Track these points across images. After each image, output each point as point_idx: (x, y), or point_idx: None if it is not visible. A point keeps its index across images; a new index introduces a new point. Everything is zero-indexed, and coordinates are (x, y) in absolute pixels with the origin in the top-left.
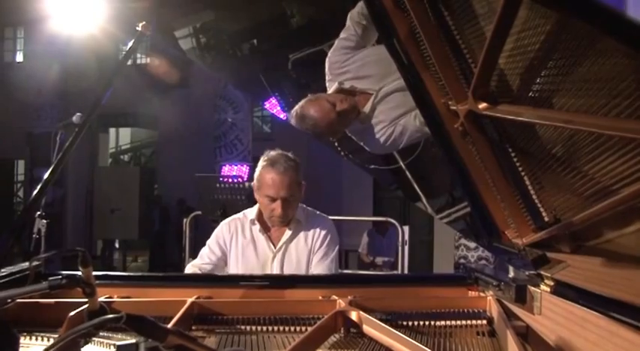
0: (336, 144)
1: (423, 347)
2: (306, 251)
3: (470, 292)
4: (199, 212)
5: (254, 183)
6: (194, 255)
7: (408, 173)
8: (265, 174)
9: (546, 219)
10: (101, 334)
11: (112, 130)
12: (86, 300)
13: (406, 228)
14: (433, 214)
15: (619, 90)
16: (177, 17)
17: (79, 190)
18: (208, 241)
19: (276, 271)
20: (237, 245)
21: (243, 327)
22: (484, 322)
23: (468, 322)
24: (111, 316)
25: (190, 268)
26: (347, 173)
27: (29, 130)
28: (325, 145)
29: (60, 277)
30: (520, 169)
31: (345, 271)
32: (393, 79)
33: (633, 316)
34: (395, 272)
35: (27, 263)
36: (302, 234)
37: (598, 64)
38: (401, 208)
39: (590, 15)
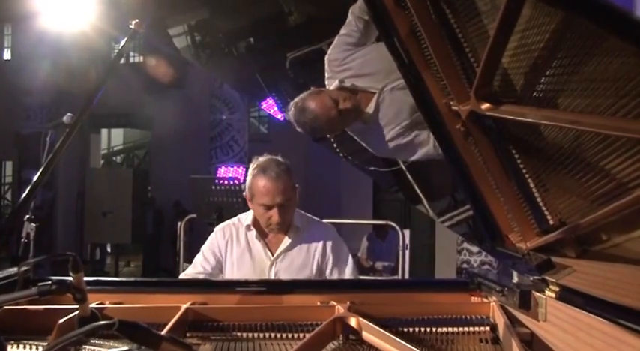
0: (334, 145)
1: None
2: (309, 260)
3: (472, 297)
4: (194, 215)
5: (246, 193)
6: (189, 259)
7: (408, 175)
8: (257, 182)
9: (551, 222)
10: (92, 341)
11: (104, 131)
12: (77, 306)
13: (407, 232)
14: (434, 218)
15: (626, 90)
16: (171, 14)
17: (70, 192)
18: (202, 249)
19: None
20: (232, 252)
21: (239, 334)
22: (487, 328)
23: (471, 328)
24: (103, 322)
25: (183, 278)
26: (346, 175)
27: (18, 130)
28: (323, 146)
29: (50, 282)
30: (524, 171)
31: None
32: (397, 77)
33: None
34: (395, 277)
35: (15, 268)
36: (303, 243)
37: (604, 64)
38: (401, 211)
39: (596, 14)
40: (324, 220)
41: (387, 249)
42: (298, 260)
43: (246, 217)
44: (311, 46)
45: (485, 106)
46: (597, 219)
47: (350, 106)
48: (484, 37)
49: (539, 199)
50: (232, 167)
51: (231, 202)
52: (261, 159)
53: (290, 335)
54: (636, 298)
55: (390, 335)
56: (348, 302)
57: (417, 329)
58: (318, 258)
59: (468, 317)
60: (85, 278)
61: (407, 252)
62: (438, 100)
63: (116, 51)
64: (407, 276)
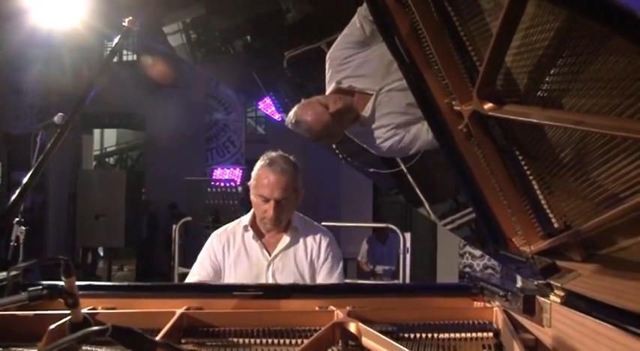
0: (334, 146)
1: None
2: (306, 262)
3: (475, 302)
4: (189, 218)
5: (251, 182)
6: (184, 263)
7: (409, 177)
8: (262, 173)
9: (556, 226)
10: (85, 348)
11: (97, 131)
12: (68, 312)
13: (408, 235)
14: (436, 221)
15: (632, 89)
16: (166, 12)
17: (61, 194)
18: (199, 257)
19: (270, 280)
20: (229, 256)
21: (235, 340)
22: (490, 334)
23: (474, 334)
24: (95, 328)
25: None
26: (345, 177)
27: (7, 130)
28: (324, 147)
29: (40, 287)
30: (528, 173)
31: (344, 279)
32: (395, 79)
33: None
34: (396, 281)
35: (4, 273)
36: (301, 243)
37: (610, 63)
38: (402, 214)
39: (600, 14)
40: (323, 223)
41: (388, 253)
42: (295, 261)
43: (246, 218)
44: (309, 44)
45: (488, 106)
46: (603, 222)
47: (341, 106)
48: (487, 36)
49: (543, 202)
50: (229, 169)
51: (228, 205)
52: (273, 154)
53: (288, 341)
54: None
55: (391, 341)
56: (348, 307)
57: (418, 335)
58: (312, 259)
59: (471, 323)
60: (77, 283)
61: (408, 256)
62: (439, 100)
63: (109, 49)
64: (408, 280)
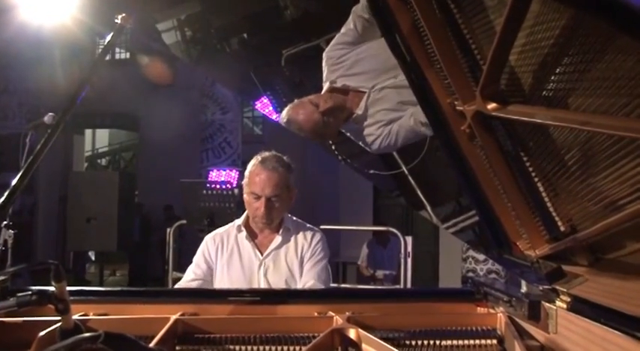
0: (333, 147)
1: None
2: (297, 261)
3: (479, 308)
4: (184, 221)
5: (244, 181)
6: (178, 268)
7: (411, 179)
8: (254, 170)
9: (562, 229)
10: None
11: (89, 132)
12: (59, 318)
13: (409, 238)
14: (438, 224)
15: None
16: (160, 8)
17: (51, 197)
18: (194, 258)
19: (262, 280)
20: (222, 257)
21: (231, 346)
22: (494, 341)
23: (477, 341)
24: (87, 334)
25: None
26: (345, 179)
27: None
28: (323, 148)
29: (29, 292)
30: (533, 174)
31: (343, 285)
32: (388, 77)
33: None
34: (397, 286)
35: None
36: (292, 242)
37: (618, 61)
38: (403, 217)
39: (607, 12)
40: (322, 227)
41: (389, 257)
42: (286, 260)
43: (239, 220)
44: (308, 42)
45: (491, 106)
46: (611, 225)
47: (331, 105)
48: (490, 34)
49: (549, 205)
50: (225, 170)
51: (224, 208)
52: (265, 153)
53: (285, 348)
54: None
55: (392, 348)
56: (347, 313)
57: (419, 342)
58: (302, 257)
59: (474, 329)
60: (68, 288)
61: (409, 260)
62: (441, 99)
63: (101, 47)
64: (409, 285)
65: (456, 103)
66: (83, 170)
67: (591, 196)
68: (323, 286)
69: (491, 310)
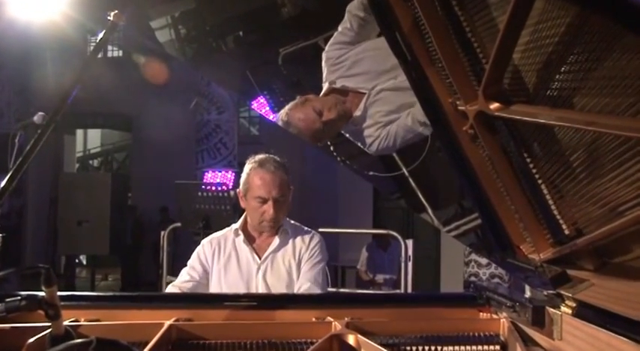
0: (331, 148)
1: None
2: (294, 263)
3: (481, 313)
4: (179, 224)
5: (239, 190)
6: (172, 272)
7: (411, 181)
8: (254, 175)
9: (567, 232)
10: None
11: (80, 132)
12: (49, 324)
13: (410, 242)
14: (440, 227)
15: None
16: (153, 5)
17: (41, 199)
18: (190, 260)
19: (261, 284)
20: (219, 261)
21: None
22: (497, 347)
23: (479, 347)
24: (78, 341)
25: (170, 289)
26: (344, 180)
27: None
28: (321, 149)
29: (18, 298)
30: (537, 176)
31: (342, 290)
32: (388, 78)
33: None
34: (397, 291)
35: None
36: (290, 245)
37: (625, 60)
38: (404, 220)
39: (613, 11)
40: (320, 230)
41: (389, 260)
42: (284, 263)
43: (237, 224)
44: (306, 40)
45: (494, 106)
46: (617, 229)
47: (334, 116)
48: (493, 32)
49: (553, 207)
50: (220, 172)
51: (219, 210)
52: (259, 156)
53: None
54: None
55: None
56: (346, 318)
57: (420, 348)
58: (300, 259)
59: (476, 335)
60: (59, 293)
61: (410, 264)
62: (443, 99)
63: (93, 45)
64: (410, 290)
65: (457, 102)
66: (74, 171)
67: (597, 199)
68: (319, 290)
69: (494, 316)
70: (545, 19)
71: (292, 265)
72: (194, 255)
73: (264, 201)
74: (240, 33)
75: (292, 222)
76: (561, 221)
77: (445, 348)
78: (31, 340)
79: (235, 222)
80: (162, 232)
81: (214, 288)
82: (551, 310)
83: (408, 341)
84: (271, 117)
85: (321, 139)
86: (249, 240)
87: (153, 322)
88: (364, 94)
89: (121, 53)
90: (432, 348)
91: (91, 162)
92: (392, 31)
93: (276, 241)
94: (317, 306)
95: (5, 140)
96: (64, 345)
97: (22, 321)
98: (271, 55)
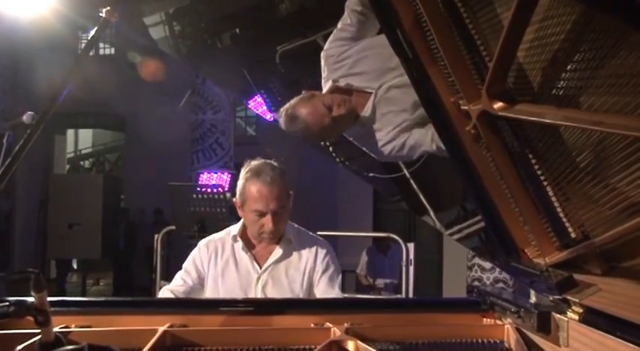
0: (330, 149)
1: None
2: (299, 276)
3: (485, 319)
4: (173, 227)
5: (236, 199)
6: (166, 277)
7: (412, 182)
8: (250, 186)
9: (573, 236)
10: None
11: (71, 132)
12: (38, 330)
13: (411, 245)
14: (442, 230)
15: None
16: (147, 1)
17: (31, 201)
18: (185, 264)
19: (260, 295)
20: (215, 267)
21: None
22: None
23: None
24: (69, 348)
25: (164, 292)
26: (343, 182)
27: None
28: (319, 150)
29: (6, 303)
30: (542, 178)
31: (342, 295)
32: (395, 75)
33: None
34: (398, 296)
35: None
36: (294, 255)
37: (633, 58)
38: (405, 223)
39: (620, 8)
40: (319, 233)
41: (389, 265)
42: (287, 275)
43: (235, 228)
44: (304, 38)
45: (498, 105)
46: (626, 231)
47: (344, 112)
48: (497, 29)
49: (559, 209)
50: (216, 173)
51: (215, 213)
52: (254, 162)
53: None
54: None
55: None
56: (346, 324)
57: None
58: (308, 273)
59: (480, 341)
60: (49, 299)
61: (411, 268)
62: (445, 98)
63: (84, 42)
64: (411, 295)
65: (460, 102)
66: (65, 173)
67: (604, 201)
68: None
69: (498, 322)
70: (551, 15)
71: (296, 278)
72: (190, 258)
73: (262, 214)
74: (237, 30)
75: (296, 226)
76: (567, 224)
77: None
78: (20, 347)
79: (231, 224)
80: (155, 236)
81: (210, 294)
82: (557, 315)
83: (409, 348)
84: (268, 116)
85: (328, 136)
86: (249, 247)
87: (146, 328)
88: (370, 93)
89: (113, 51)
90: None
91: (82, 163)
92: (392, 28)
93: (279, 250)
94: (315, 311)
95: None
96: None
97: (10, 327)
98: (268, 53)
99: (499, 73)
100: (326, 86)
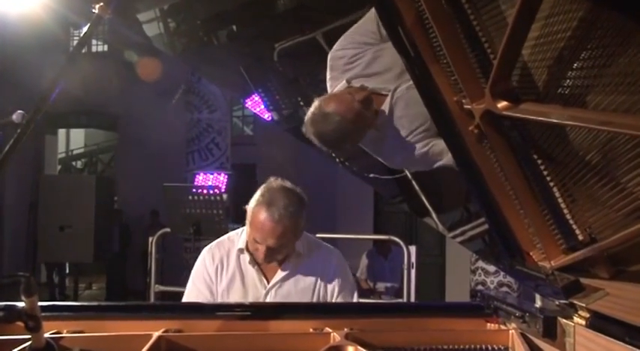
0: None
1: None
2: (310, 292)
3: (489, 324)
4: (168, 229)
5: (248, 212)
6: (161, 281)
7: (414, 183)
8: (258, 213)
9: (580, 238)
10: None
11: (62, 132)
12: (29, 336)
13: (412, 248)
14: (445, 232)
15: None
16: None
17: (20, 203)
18: (192, 277)
19: None
20: (222, 280)
21: None
22: None
23: None
24: None
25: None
26: (343, 183)
27: None
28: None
29: None
30: (548, 179)
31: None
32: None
33: None
34: (399, 300)
35: None
36: (305, 269)
37: None
38: (406, 225)
39: (628, 5)
40: (317, 235)
41: (390, 268)
42: (298, 290)
43: (239, 238)
44: (303, 35)
45: (502, 104)
46: (634, 234)
47: (366, 94)
48: (502, 26)
49: (565, 211)
50: (212, 174)
51: (211, 215)
52: (275, 185)
53: None
54: None
55: None
56: (345, 329)
57: None
58: (320, 288)
59: (484, 347)
60: (39, 303)
61: (413, 271)
62: (448, 97)
63: (76, 39)
64: (413, 299)
65: (463, 101)
66: (56, 174)
67: (612, 203)
68: None
69: (503, 327)
70: (557, 12)
71: (306, 293)
72: (196, 272)
73: (259, 243)
74: (234, 27)
75: (306, 235)
76: (574, 226)
77: None
78: None
79: (228, 226)
80: (150, 238)
81: None
82: (564, 320)
83: None
84: (266, 116)
85: (362, 127)
86: (256, 260)
87: (140, 333)
88: (385, 95)
89: (106, 48)
90: None
91: (74, 163)
92: (394, 25)
93: (288, 264)
94: (314, 316)
95: None
96: None
97: (0, 333)
98: (266, 51)
99: (503, 71)
100: (334, 87)
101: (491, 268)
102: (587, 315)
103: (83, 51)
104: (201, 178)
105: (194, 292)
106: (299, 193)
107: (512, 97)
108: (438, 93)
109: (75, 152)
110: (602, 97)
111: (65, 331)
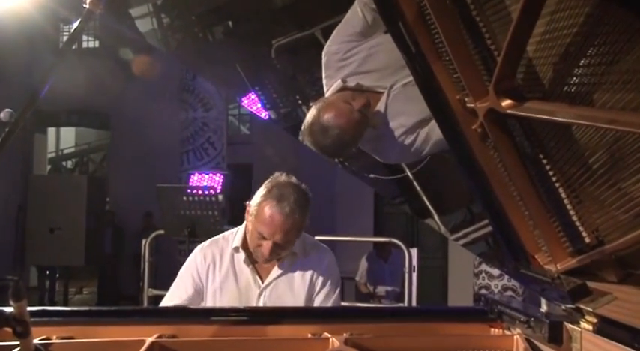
0: None
1: None
2: (304, 291)
3: (492, 329)
4: (162, 231)
5: (250, 208)
6: (154, 284)
7: (416, 184)
8: (266, 207)
9: (587, 240)
10: None
11: (52, 131)
12: (17, 342)
13: (414, 251)
14: (447, 235)
15: None
16: None
17: (9, 204)
18: (180, 272)
19: None
20: (214, 279)
21: None
22: None
23: None
24: None
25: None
26: (342, 184)
27: None
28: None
29: None
30: (554, 179)
31: (340, 303)
32: (408, 73)
33: None
34: (400, 305)
35: None
36: (298, 270)
37: None
38: (407, 227)
39: (636, 1)
40: (316, 238)
41: (390, 271)
42: (291, 289)
43: (234, 236)
44: (301, 31)
45: (506, 102)
46: None
47: (364, 100)
48: (506, 22)
49: (572, 213)
50: (207, 174)
51: (206, 216)
52: (282, 180)
53: None
54: None
55: None
56: (345, 334)
57: None
58: (311, 285)
59: None
60: (29, 308)
61: (414, 275)
62: (450, 96)
63: (66, 34)
64: (414, 303)
65: (466, 99)
66: (45, 174)
67: (620, 204)
68: None
69: (507, 332)
70: (563, 8)
71: (301, 292)
72: (185, 272)
73: (264, 238)
74: (230, 23)
75: (304, 234)
76: (581, 228)
77: None
78: None
79: (223, 228)
80: (143, 241)
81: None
82: (570, 325)
83: None
84: (263, 114)
85: (362, 135)
86: (251, 259)
87: (133, 338)
88: (381, 93)
89: (97, 44)
90: None
91: (64, 163)
92: (395, 21)
93: (283, 264)
94: (313, 321)
95: None
96: None
97: None
98: (263, 48)
99: (507, 68)
100: (330, 86)
101: (495, 272)
102: (595, 320)
103: (74, 47)
104: (196, 179)
105: (180, 288)
106: (305, 190)
107: (517, 95)
108: (440, 91)
109: (65, 152)
110: (610, 95)
111: (55, 337)
